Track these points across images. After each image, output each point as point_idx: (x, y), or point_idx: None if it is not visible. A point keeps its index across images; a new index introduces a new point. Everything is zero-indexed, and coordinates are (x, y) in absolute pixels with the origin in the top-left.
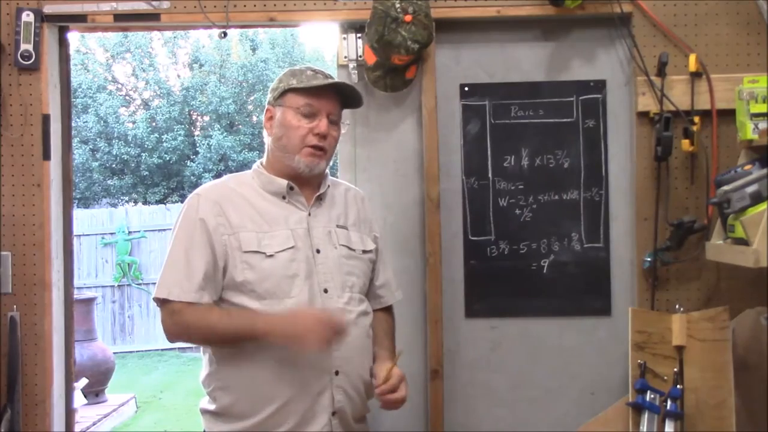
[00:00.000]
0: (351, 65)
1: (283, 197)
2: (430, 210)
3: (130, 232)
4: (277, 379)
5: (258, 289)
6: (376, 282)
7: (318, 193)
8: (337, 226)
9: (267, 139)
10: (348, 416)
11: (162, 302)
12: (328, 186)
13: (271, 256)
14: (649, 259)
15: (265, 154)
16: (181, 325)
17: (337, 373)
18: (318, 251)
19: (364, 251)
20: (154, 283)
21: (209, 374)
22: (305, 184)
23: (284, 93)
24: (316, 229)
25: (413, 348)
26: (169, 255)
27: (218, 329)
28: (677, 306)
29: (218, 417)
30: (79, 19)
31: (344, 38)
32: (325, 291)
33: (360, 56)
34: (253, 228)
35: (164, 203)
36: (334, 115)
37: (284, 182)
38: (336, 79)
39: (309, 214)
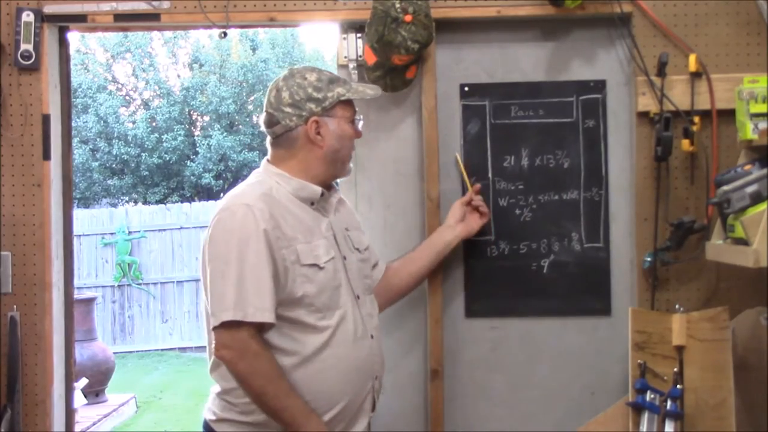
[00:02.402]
0: (351, 65)
1: (312, 204)
2: (430, 210)
3: (130, 232)
4: (337, 389)
5: (316, 303)
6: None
7: (336, 198)
8: (345, 229)
9: (304, 149)
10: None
11: (229, 325)
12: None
13: (322, 267)
14: (649, 259)
15: (287, 161)
16: (251, 364)
17: (376, 377)
18: (345, 258)
19: (366, 249)
20: (155, 283)
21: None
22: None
23: (335, 104)
24: (338, 235)
25: (413, 348)
26: (231, 271)
27: (278, 398)
28: (677, 306)
29: (253, 427)
30: (79, 19)
31: (344, 38)
32: (358, 297)
33: (360, 56)
34: (303, 239)
35: (164, 203)
36: None
37: (318, 189)
38: (379, 89)
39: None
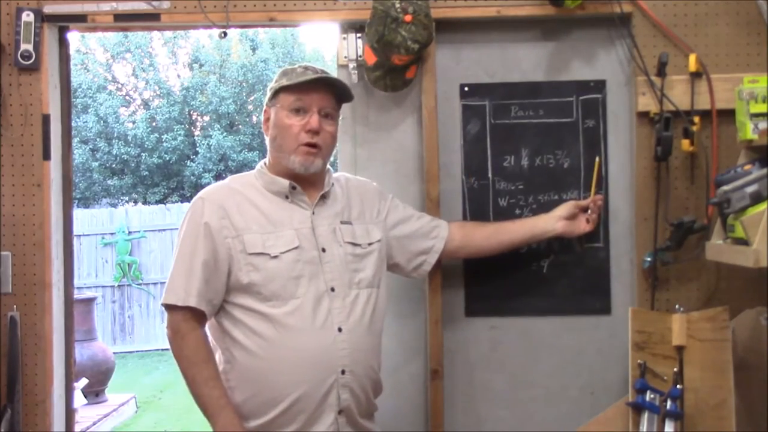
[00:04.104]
0: (351, 65)
1: (286, 197)
2: (430, 210)
3: (130, 232)
4: (288, 379)
5: (264, 291)
6: (418, 248)
7: (322, 192)
8: (341, 222)
9: (267, 140)
10: (354, 414)
11: (169, 308)
12: (332, 184)
13: (275, 257)
14: (649, 259)
15: (267, 154)
16: (178, 346)
17: (343, 372)
18: (323, 250)
19: (370, 243)
20: (155, 283)
21: None
22: (308, 182)
23: (277, 93)
24: (320, 228)
25: (413, 348)
26: (176, 260)
27: (195, 384)
28: (677, 306)
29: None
30: (79, 19)
31: (344, 38)
32: (332, 290)
33: (360, 56)
34: (257, 229)
35: (164, 203)
36: (328, 109)
37: (286, 182)
38: (322, 74)
39: (313, 213)
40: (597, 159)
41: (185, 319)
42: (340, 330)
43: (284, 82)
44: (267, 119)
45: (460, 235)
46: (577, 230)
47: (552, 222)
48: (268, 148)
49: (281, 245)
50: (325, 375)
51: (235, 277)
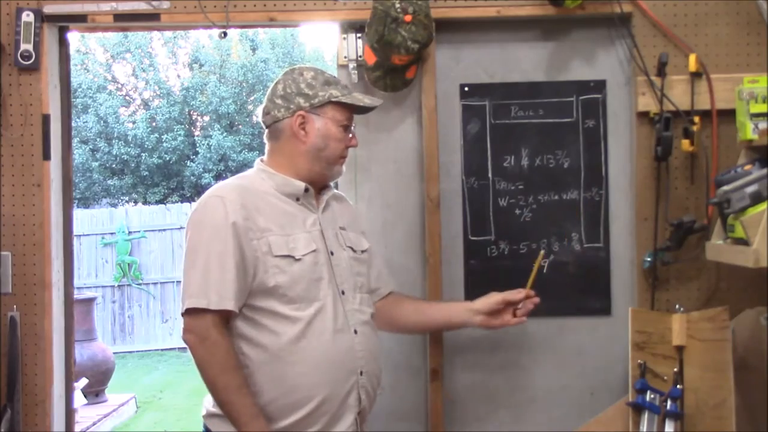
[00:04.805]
0: (351, 65)
1: (297, 199)
2: (430, 210)
3: (130, 232)
4: (315, 381)
5: (289, 293)
6: (371, 276)
7: (328, 196)
8: (340, 227)
9: (288, 143)
10: (366, 414)
11: (194, 312)
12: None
13: (299, 259)
14: (649, 259)
15: (273, 154)
16: (209, 352)
17: (361, 373)
18: (332, 253)
19: (363, 251)
20: (154, 283)
21: None
22: (317, 187)
23: (326, 103)
24: (326, 231)
25: (413, 348)
26: (200, 262)
27: (227, 391)
28: (677, 306)
29: None
30: (79, 19)
31: (344, 38)
32: (343, 293)
33: (360, 56)
34: (278, 231)
35: (164, 203)
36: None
37: (302, 184)
38: (377, 101)
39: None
40: (541, 252)
41: (214, 324)
42: (355, 332)
43: (338, 96)
44: (302, 124)
45: (389, 301)
46: (497, 324)
47: (469, 315)
48: (293, 151)
49: (302, 247)
50: (347, 376)
51: (260, 279)
